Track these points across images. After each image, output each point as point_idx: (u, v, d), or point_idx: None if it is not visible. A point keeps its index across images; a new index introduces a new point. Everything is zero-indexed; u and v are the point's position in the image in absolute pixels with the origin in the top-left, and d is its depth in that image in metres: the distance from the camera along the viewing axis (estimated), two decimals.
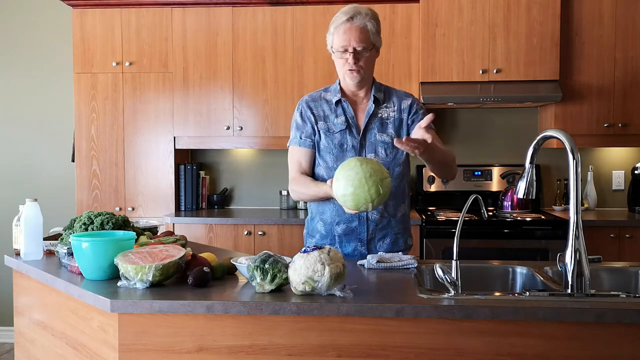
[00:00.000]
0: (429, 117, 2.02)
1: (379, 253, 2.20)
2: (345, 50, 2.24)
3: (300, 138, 2.35)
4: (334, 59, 2.32)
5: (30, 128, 4.43)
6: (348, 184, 1.95)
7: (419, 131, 2.06)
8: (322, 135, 2.33)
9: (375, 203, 1.96)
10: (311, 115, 2.34)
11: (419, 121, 2.20)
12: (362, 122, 2.32)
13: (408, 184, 2.41)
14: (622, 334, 1.57)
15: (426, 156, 2.08)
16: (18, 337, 2.35)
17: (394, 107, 2.34)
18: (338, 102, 2.34)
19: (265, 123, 3.91)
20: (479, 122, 4.22)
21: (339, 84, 2.37)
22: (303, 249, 1.71)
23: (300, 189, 2.33)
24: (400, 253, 2.18)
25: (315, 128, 2.33)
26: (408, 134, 2.31)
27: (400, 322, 1.61)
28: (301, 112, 2.37)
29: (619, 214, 3.89)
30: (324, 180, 2.29)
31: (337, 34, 2.25)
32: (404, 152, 2.30)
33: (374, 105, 2.32)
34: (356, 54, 2.23)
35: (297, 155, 2.37)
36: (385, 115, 2.33)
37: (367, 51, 2.25)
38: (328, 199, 2.28)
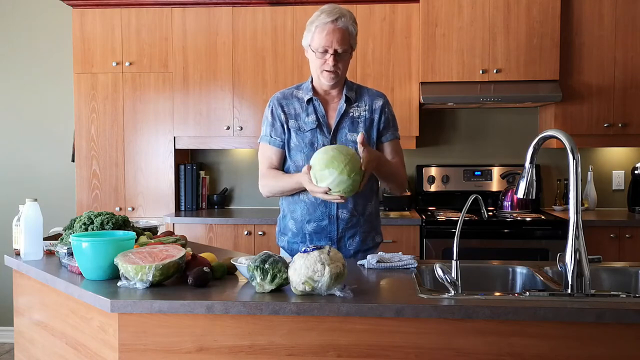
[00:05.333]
0: (360, 137, 2.11)
1: (379, 253, 2.20)
2: (326, 51, 2.24)
3: (271, 136, 2.35)
4: (310, 57, 2.31)
5: (30, 128, 4.43)
6: (336, 148, 2.04)
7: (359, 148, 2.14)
8: (293, 134, 2.33)
9: (337, 180, 1.99)
10: (282, 113, 2.34)
11: (386, 128, 2.34)
12: (333, 121, 2.32)
13: (377, 183, 2.42)
14: (621, 334, 1.58)
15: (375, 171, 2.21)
16: (18, 337, 2.35)
17: (365, 106, 2.35)
18: (309, 101, 2.34)
19: None
20: (479, 122, 4.22)
21: (311, 82, 2.37)
22: (303, 249, 1.71)
23: (270, 182, 2.34)
24: (400, 253, 2.18)
25: (285, 127, 2.34)
26: (378, 135, 2.34)
27: (400, 322, 1.61)
28: (272, 110, 2.37)
29: (619, 214, 3.89)
30: None
31: (319, 34, 2.24)
32: None
33: (345, 104, 2.33)
34: (336, 56, 2.24)
35: (268, 153, 2.37)
36: (357, 114, 2.33)
37: (347, 54, 2.27)
38: (299, 192, 2.30)
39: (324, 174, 2.01)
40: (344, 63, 2.27)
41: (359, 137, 2.11)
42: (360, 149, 2.11)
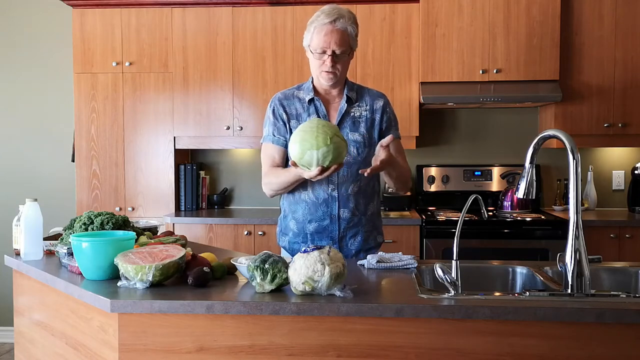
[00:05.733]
0: (389, 139, 2.11)
1: (379, 253, 2.20)
2: (324, 52, 2.24)
3: (274, 135, 2.35)
4: (310, 58, 2.32)
5: (30, 128, 4.43)
6: (300, 130, 2.03)
7: (379, 149, 2.14)
8: None
9: (320, 154, 1.97)
10: (283, 113, 2.35)
11: (388, 128, 2.35)
12: (334, 121, 2.33)
13: (378, 183, 2.43)
14: (621, 334, 1.58)
15: (385, 171, 2.23)
16: (18, 337, 2.35)
17: (366, 106, 2.36)
18: (311, 101, 2.34)
19: None
20: (479, 122, 4.22)
21: (312, 82, 2.37)
22: (303, 249, 1.71)
23: (271, 179, 2.33)
24: (400, 253, 2.18)
25: (288, 126, 2.34)
26: (380, 134, 2.34)
27: (400, 322, 1.61)
28: (274, 110, 2.37)
29: (619, 214, 3.89)
30: None
31: (318, 35, 2.25)
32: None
33: (346, 104, 2.33)
34: (334, 57, 2.24)
35: (270, 152, 2.36)
36: (358, 114, 2.34)
37: (345, 55, 2.27)
38: (300, 192, 2.31)
39: (307, 159, 2.00)
40: (342, 64, 2.28)
41: (387, 139, 2.11)
42: (378, 148, 2.12)
